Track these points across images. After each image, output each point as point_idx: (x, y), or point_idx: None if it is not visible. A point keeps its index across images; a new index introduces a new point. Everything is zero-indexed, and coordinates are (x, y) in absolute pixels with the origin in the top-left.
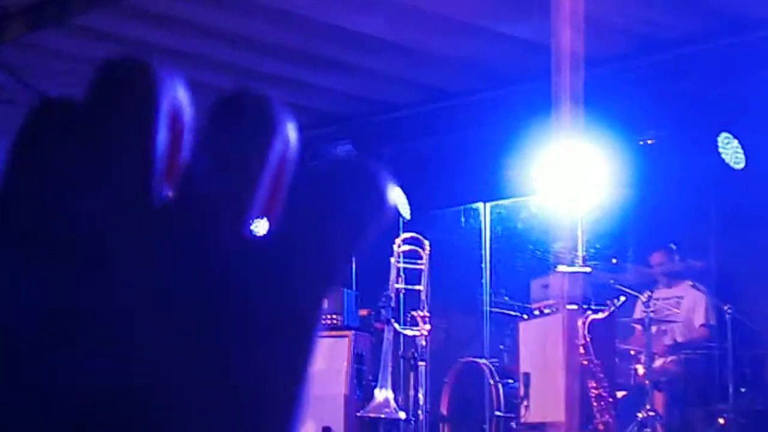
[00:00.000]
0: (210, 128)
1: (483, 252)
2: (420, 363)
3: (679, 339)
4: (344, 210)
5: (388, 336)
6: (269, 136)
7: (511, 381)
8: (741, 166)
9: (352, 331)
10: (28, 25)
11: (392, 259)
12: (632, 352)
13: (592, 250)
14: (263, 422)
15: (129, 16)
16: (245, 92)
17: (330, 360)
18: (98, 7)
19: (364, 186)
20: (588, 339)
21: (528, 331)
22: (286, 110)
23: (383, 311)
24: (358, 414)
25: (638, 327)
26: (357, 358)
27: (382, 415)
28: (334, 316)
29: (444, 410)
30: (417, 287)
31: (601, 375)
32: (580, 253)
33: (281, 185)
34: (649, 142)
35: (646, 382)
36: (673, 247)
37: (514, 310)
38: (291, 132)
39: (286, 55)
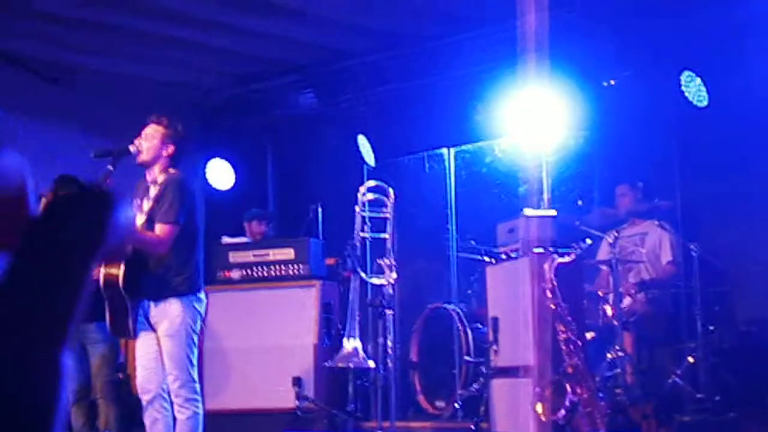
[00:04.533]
0: None
1: (449, 197)
2: (387, 311)
3: (646, 277)
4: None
5: (354, 285)
6: None
7: (479, 326)
8: (704, 104)
9: (320, 281)
10: None
11: (357, 208)
12: (600, 294)
13: (558, 193)
14: None
15: None
16: None
17: (298, 310)
18: None
19: (86, 217)
20: (555, 282)
21: (495, 276)
22: None
23: (349, 260)
24: (328, 363)
25: (605, 268)
26: (325, 308)
27: (351, 365)
28: (301, 266)
29: (413, 357)
30: (383, 235)
31: (569, 318)
32: (545, 196)
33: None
34: (612, 83)
35: (615, 322)
36: (639, 184)
37: (481, 255)
38: None
39: (241, 3)
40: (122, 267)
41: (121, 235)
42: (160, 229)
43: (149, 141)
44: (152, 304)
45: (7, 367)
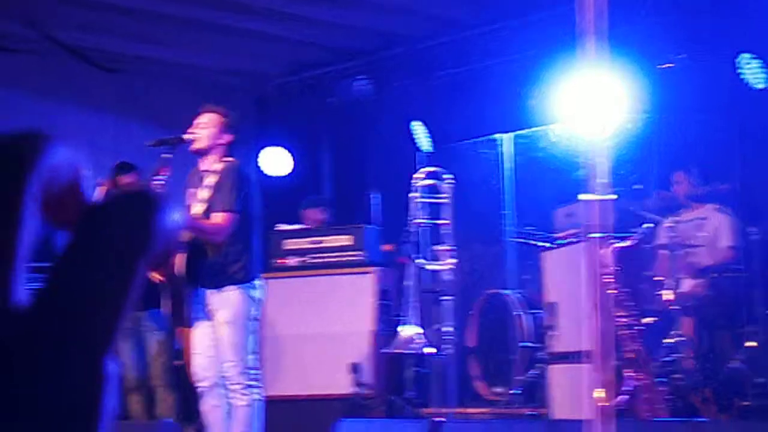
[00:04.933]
0: None
1: (505, 183)
2: (445, 297)
3: (705, 262)
4: (113, 251)
5: (411, 271)
6: None
7: (537, 311)
8: (762, 86)
9: (377, 267)
10: None
11: (413, 194)
12: (658, 278)
13: (616, 177)
14: None
15: None
16: None
17: (355, 296)
18: None
19: (130, 223)
20: (614, 267)
21: (553, 261)
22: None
23: (406, 246)
24: (385, 350)
25: (664, 252)
26: (382, 294)
27: (409, 351)
28: (358, 253)
29: (471, 343)
30: (439, 221)
31: (628, 303)
32: (603, 181)
33: None
34: (669, 66)
35: (674, 307)
36: (694, 170)
37: (539, 240)
38: None
39: None
40: (182, 256)
41: (168, 240)
42: (218, 217)
43: (205, 129)
44: (210, 292)
45: (50, 374)
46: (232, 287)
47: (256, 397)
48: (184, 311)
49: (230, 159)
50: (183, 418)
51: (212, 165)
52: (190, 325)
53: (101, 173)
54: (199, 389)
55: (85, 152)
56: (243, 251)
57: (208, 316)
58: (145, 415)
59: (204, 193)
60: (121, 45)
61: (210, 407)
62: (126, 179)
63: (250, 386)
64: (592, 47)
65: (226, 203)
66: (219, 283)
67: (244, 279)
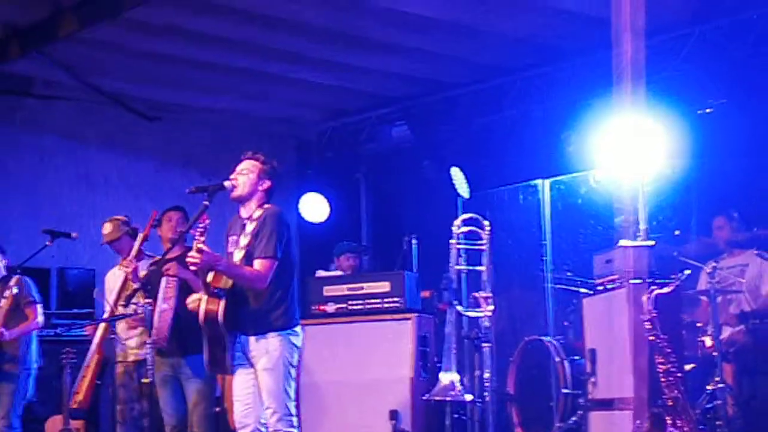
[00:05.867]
0: None
1: (544, 229)
2: (484, 344)
3: (746, 308)
4: None
5: (451, 318)
6: None
7: (577, 358)
8: None
9: (415, 314)
10: (81, 21)
11: (452, 241)
12: (699, 325)
13: (655, 223)
14: None
15: (182, 8)
16: None
17: (394, 343)
18: (151, 1)
19: None
20: (654, 313)
21: (592, 307)
22: None
23: (445, 293)
24: (425, 397)
25: (704, 299)
26: (421, 341)
27: (449, 398)
28: (397, 299)
29: (511, 390)
30: (478, 267)
31: (669, 349)
32: (642, 227)
33: None
34: (708, 111)
35: (714, 353)
36: (735, 215)
37: (578, 286)
38: None
39: (337, 38)
40: (222, 302)
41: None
42: (259, 264)
43: (245, 176)
44: (250, 339)
45: None
46: (272, 334)
47: None
48: (225, 358)
49: (270, 205)
50: None
51: (253, 212)
52: (230, 372)
53: (141, 219)
54: None
55: (127, 198)
56: (283, 298)
57: (248, 363)
58: None
59: (244, 240)
60: (162, 93)
61: None
62: (171, 215)
63: None
64: (629, 93)
65: (266, 250)
66: (260, 329)
67: (284, 326)
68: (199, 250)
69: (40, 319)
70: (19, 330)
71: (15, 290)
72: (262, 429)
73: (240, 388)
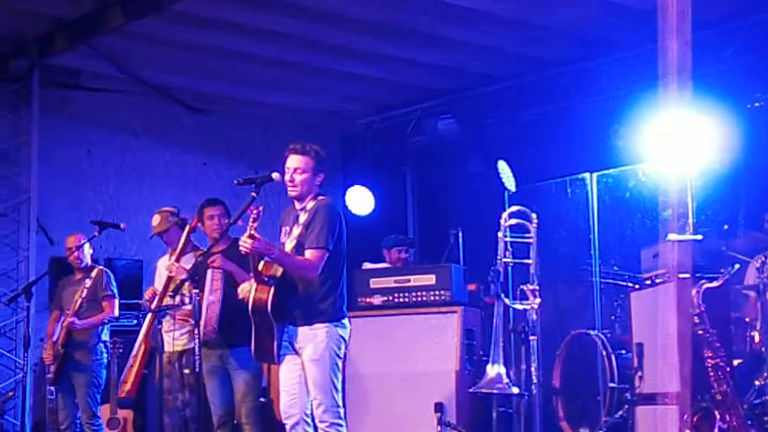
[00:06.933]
0: None
1: (591, 222)
2: (531, 337)
3: None
4: None
5: (498, 311)
6: None
7: (623, 352)
8: None
9: (462, 307)
10: (127, 14)
11: (499, 234)
12: (747, 320)
13: (703, 217)
14: None
15: (227, 1)
16: None
17: (440, 336)
18: None
19: None
20: (702, 308)
21: (640, 301)
22: None
23: (492, 286)
24: (471, 390)
25: (752, 294)
26: (467, 334)
27: (495, 391)
28: (443, 292)
29: (557, 383)
30: (525, 261)
31: (717, 344)
32: (690, 221)
33: None
34: (757, 105)
35: (763, 349)
36: None
37: (625, 280)
38: None
39: (384, 31)
40: (271, 291)
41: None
42: (310, 253)
43: (301, 176)
44: (298, 329)
45: None
46: (321, 324)
47: None
48: (272, 347)
49: (323, 197)
50: None
51: (306, 203)
52: (276, 362)
53: (188, 211)
54: (285, 426)
55: (173, 190)
56: (333, 289)
57: (295, 353)
58: None
59: (297, 230)
60: (207, 85)
61: None
62: (211, 212)
63: (335, 424)
64: (674, 86)
65: (318, 240)
66: (308, 319)
67: (332, 317)
68: (252, 237)
69: (116, 312)
70: (91, 321)
71: (88, 283)
72: (308, 419)
73: (286, 378)
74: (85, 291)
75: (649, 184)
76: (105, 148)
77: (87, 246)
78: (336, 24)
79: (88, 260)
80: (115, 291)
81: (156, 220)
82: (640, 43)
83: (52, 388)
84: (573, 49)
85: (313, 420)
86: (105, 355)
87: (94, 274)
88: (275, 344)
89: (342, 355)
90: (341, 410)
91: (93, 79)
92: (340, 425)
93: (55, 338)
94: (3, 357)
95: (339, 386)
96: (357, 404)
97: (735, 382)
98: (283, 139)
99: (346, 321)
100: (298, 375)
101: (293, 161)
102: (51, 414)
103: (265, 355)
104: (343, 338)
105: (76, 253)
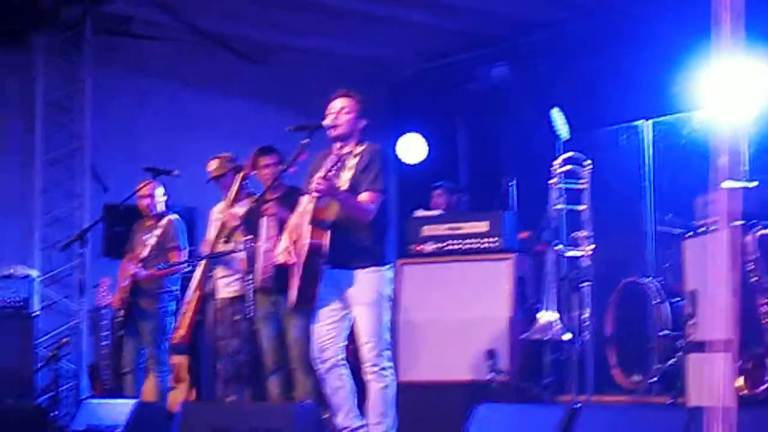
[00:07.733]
0: None
1: (645, 170)
2: (583, 284)
3: None
4: None
5: (550, 257)
6: None
7: (676, 300)
8: None
9: (514, 254)
10: None
11: (552, 180)
12: None
13: (758, 164)
14: None
15: None
16: None
17: (492, 283)
18: None
19: None
20: (757, 255)
21: (693, 249)
22: None
23: (544, 233)
24: (522, 336)
25: None
26: (519, 281)
27: (547, 337)
28: (495, 239)
29: (609, 331)
30: (578, 207)
31: None
32: (744, 168)
33: None
34: None
35: None
36: None
37: (679, 228)
38: None
39: None
40: (327, 234)
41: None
42: (367, 196)
43: (345, 114)
44: (350, 272)
45: None
46: (371, 268)
47: (392, 378)
48: (314, 292)
49: (370, 143)
50: (321, 401)
51: (353, 148)
52: (314, 307)
53: (242, 158)
54: (318, 372)
55: (226, 138)
56: (382, 232)
57: (336, 296)
58: (283, 398)
59: (347, 174)
60: (260, 34)
61: (333, 389)
62: (266, 161)
63: (387, 367)
64: (728, 33)
65: (376, 183)
66: (359, 263)
67: (382, 260)
68: (327, 177)
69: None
70: (155, 273)
71: (157, 232)
72: (343, 362)
73: (323, 321)
74: (155, 239)
75: (704, 131)
76: (156, 97)
77: (160, 191)
78: None
79: (161, 207)
80: (183, 242)
81: (213, 165)
82: None
83: (121, 332)
84: None
85: (347, 363)
86: (172, 304)
87: (164, 222)
88: (316, 289)
89: (391, 298)
90: (390, 353)
91: (145, 26)
92: (392, 367)
93: (123, 283)
94: (59, 303)
95: (388, 329)
96: (409, 350)
97: None
98: (332, 88)
99: (390, 265)
100: (337, 318)
101: (338, 102)
102: (105, 359)
103: (308, 300)
104: (392, 281)
105: (147, 201)
